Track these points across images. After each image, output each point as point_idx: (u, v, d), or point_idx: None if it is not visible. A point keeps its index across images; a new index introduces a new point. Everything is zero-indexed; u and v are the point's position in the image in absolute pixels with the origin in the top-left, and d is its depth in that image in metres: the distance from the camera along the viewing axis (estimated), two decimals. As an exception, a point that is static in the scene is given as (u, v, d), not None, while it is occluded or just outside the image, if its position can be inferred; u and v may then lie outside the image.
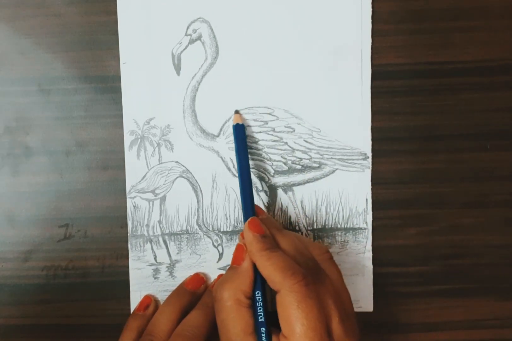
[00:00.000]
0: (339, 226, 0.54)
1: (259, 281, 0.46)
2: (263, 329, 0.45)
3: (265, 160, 0.53)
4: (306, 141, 0.53)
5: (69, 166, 0.54)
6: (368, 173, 0.53)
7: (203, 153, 0.53)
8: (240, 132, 0.52)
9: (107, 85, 0.53)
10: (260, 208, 0.52)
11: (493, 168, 0.54)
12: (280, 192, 0.54)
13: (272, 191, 0.54)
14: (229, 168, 0.53)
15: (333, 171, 0.53)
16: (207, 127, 0.53)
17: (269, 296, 0.47)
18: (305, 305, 0.42)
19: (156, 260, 0.54)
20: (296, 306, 0.42)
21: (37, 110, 0.54)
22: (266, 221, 0.49)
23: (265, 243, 0.46)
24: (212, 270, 0.54)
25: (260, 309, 0.46)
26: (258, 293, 0.46)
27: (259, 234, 0.47)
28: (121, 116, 0.53)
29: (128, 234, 0.54)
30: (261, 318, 0.45)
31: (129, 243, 0.54)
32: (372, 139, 0.53)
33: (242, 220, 0.52)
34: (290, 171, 0.53)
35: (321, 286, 0.44)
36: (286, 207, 0.54)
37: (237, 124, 0.52)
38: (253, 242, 0.46)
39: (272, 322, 0.45)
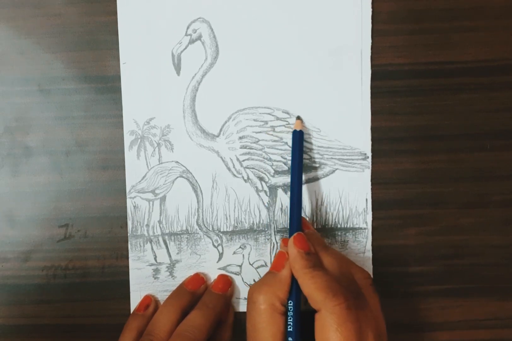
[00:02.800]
0: (339, 226, 0.54)
1: (294, 291, 0.47)
2: (290, 339, 0.45)
3: (265, 160, 0.53)
4: (306, 141, 0.53)
5: (69, 166, 0.54)
6: (368, 173, 0.53)
7: (203, 153, 0.53)
8: (298, 139, 0.52)
9: (107, 85, 0.53)
10: (307, 221, 0.52)
11: (493, 168, 0.54)
12: (280, 192, 0.54)
13: (272, 191, 0.54)
14: (229, 169, 0.53)
15: (333, 171, 0.53)
16: (207, 127, 0.53)
17: (302, 307, 0.47)
18: (345, 328, 0.42)
19: (156, 260, 0.54)
20: (335, 328, 0.42)
21: (37, 110, 0.54)
22: (311, 236, 0.49)
23: (309, 260, 0.46)
24: (212, 270, 0.54)
25: (290, 319, 0.46)
26: (291, 303, 0.46)
27: (303, 250, 0.47)
28: (121, 116, 0.53)
29: (128, 234, 0.54)
30: (290, 327, 0.46)
31: (129, 243, 0.54)
32: (372, 139, 0.53)
33: (288, 229, 0.51)
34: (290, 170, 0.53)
35: (361, 311, 0.44)
36: (286, 207, 0.54)
37: (296, 130, 0.52)
38: (297, 258, 0.47)
39: (302, 332, 0.46)
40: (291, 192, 0.51)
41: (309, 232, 0.50)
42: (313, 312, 0.45)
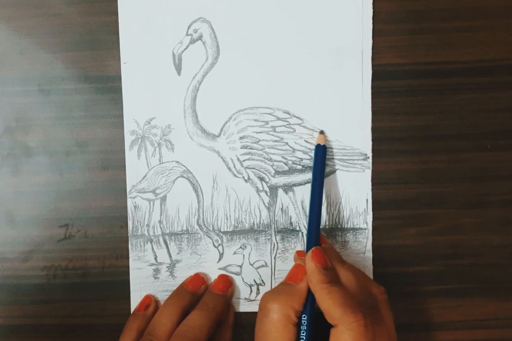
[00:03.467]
0: (339, 226, 0.54)
1: (309, 304, 0.47)
2: None
3: (266, 160, 0.53)
4: (306, 141, 0.53)
5: (69, 166, 0.54)
6: (368, 173, 0.53)
7: (203, 153, 0.53)
8: (320, 154, 0.52)
9: (107, 85, 0.53)
10: (323, 236, 0.52)
11: (493, 168, 0.54)
12: (280, 192, 0.54)
13: (272, 191, 0.54)
14: (229, 169, 0.53)
15: (334, 171, 0.53)
16: (207, 127, 0.53)
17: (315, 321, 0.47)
18: None
19: (156, 260, 0.54)
20: None
21: (37, 110, 0.54)
22: (328, 251, 0.49)
23: (326, 275, 0.46)
24: (212, 270, 0.54)
25: (303, 332, 0.46)
26: (304, 317, 0.46)
27: (321, 265, 0.47)
28: (121, 116, 0.53)
29: (129, 234, 0.54)
30: (302, 340, 0.46)
31: (129, 243, 0.54)
32: (372, 140, 0.53)
33: (305, 244, 0.51)
34: (291, 171, 0.53)
35: (377, 327, 0.44)
36: (287, 207, 0.54)
37: (319, 145, 0.52)
38: (315, 273, 0.47)
39: None
40: (310, 206, 0.51)
41: (326, 246, 0.50)
42: (325, 326, 0.45)
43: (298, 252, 0.51)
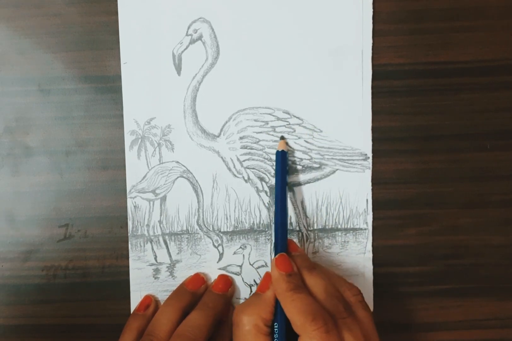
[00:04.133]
0: (339, 226, 0.54)
1: (279, 312, 0.46)
2: None
3: (266, 160, 0.53)
4: (306, 141, 0.53)
5: (69, 166, 0.54)
6: (368, 173, 0.53)
7: (203, 153, 0.53)
8: (282, 159, 0.52)
9: (107, 85, 0.53)
10: (294, 243, 0.51)
11: (493, 168, 0.54)
12: (280, 192, 0.54)
13: (272, 191, 0.54)
14: (229, 169, 0.53)
15: (334, 171, 0.53)
16: (207, 128, 0.53)
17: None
18: None
19: (156, 260, 0.54)
20: None
21: (37, 110, 0.54)
22: (297, 258, 0.49)
23: (290, 282, 0.46)
24: (212, 270, 0.54)
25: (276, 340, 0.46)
26: (276, 325, 0.46)
27: (285, 272, 0.47)
28: (121, 116, 0.53)
29: (129, 234, 0.54)
30: None
31: (129, 243, 0.54)
32: (372, 140, 0.53)
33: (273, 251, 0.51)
34: (291, 171, 0.53)
35: (347, 331, 0.44)
36: (287, 207, 0.54)
37: (280, 151, 0.52)
38: (278, 280, 0.46)
39: None
40: (275, 213, 0.51)
41: (296, 254, 0.50)
42: None
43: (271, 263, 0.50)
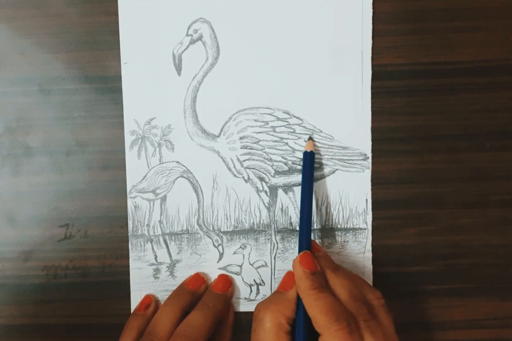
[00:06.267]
0: (339, 226, 0.54)
1: (301, 311, 0.46)
2: None
3: (266, 160, 0.53)
4: (306, 141, 0.53)
5: (69, 166, 0.54)
6: (368, 173, 0.53)
7: (203, 153, 0.53)
8: (309, 160, 0.52)
9: (107, 85, 0.53)
10: (317, 244, 0.51)
11: (493, 168, 0.54)
12: (280, 192, 0.54)
13: (272, 191, 0.54)
14: (229, 169, 0.53)
15: (333, 171, 0.53)
16: (208, 128, 0.53)
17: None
18: None
19: (156, 260, 0.54)
20: None
21: (37, 110, 0.54)
22: (321, 259, 0.49)
23: (314, 281, 0.46)
24: (212, 270, 0.54)
25: (297, 339, 0.46)
26: (297, 322, 0.46)
27: (309, 270, 0.46)
28: (121, 116, 0.53)
29: (129, 234, 0.54)
30: None
31: (129, 242, 0.54)
32: (372, 140, 0.53)
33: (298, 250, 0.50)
34: (291, 171, 0.53)
35: (369, 334, 0.43)
36: (287, 207, 0.54)
37: (309, 151, 0.52)
38: (302, 278, 0.46)
39: None
40: (300, 212, 0.50)
41: (319, 254, 0.49)
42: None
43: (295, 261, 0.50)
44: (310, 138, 0.53)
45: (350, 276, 0.48)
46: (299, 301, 0.46)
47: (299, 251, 0.49)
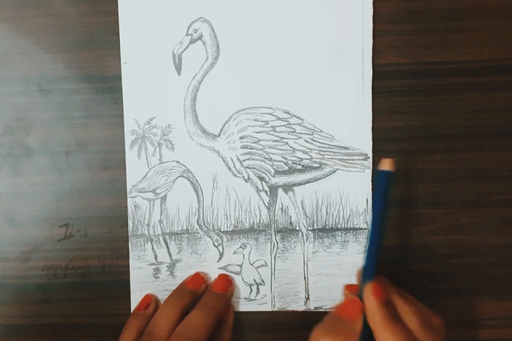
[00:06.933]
0: (339, 226, 0.54)
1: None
2: None
3: (266, 160, 0.53)
4: (306, 141, 0.53)
5: (69, 166, 0.54)
6: (368, 173, 0.53)
7: (203, 153, 0.53)
8: (386, 181, 0.46)
9: (107, 85, 0.53)
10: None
11: (493, 168, 0.54)
12: (280, 192, 0.54)
13: (272, 190, 0.54)
14: (229, 168, 0.53)
15: (334, 171, 0.53)
16: (207, 127, 0.53)
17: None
18: None
19: (156, 260, 0.54)
20: None
21: (37, 110, 0.54)
22: (385, 284, 0.47)
23: (388, 312, 0.44)
24: (212, 269, 0.54)
25: None
26: None
27: (382, 300, 0.45)
28: (121, 116, 0.53)
29: (129, 234, 0.54)
30: None
31: (129, 242, 0.54)
32: (373, 140, 0.53)
33: (361, 278, 0.48)
34: (291, 171, 0.53)
35: None
36: (287, 207, 0.54)
37: (387, 171, 0.46)
38: (377, 310, 0.44)
39: None
40: (371, 235, 0.47)
41: (381, 279, 0.47)
42: None
43: (347, 286, 0.49)
44: (389, 157, 0.47)
45: (415, 303, 0.46)
46: (363, 331, 0.45)
47: (365, 277, 0.47)
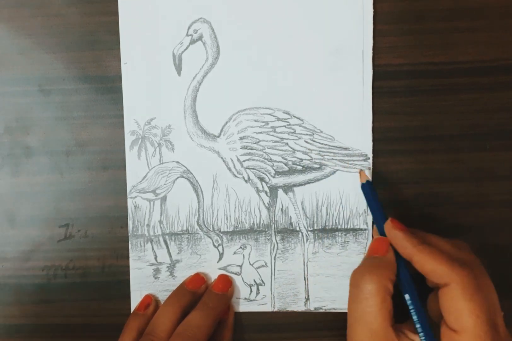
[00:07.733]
0: (339, 227, 0.54)
1: (407, 273, 0.46)
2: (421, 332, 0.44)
3: (266, 161, 0.53)
4: (306, 142, 0.53)
5: (69, 166, 0.54)
6: (368, 174, 0.53)
7: (203, 153, 0.53)
8: (370, 190, 0.51)
9: (107, 85, 0.53)
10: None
11: (493, 168, 0.54)
12: (280, 192, 0.54)
13: (272, 191, 0.54)
14: (229, 169, 0.53)
15: (334, 172, 0.53)
16: (208, 128, 0.53)
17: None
18: (478, 297, 0.41)
19: (156, 260, 0.54)
20: (469, 298, 0.41)
21: (37, 110, 0.54)
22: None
23: (416, 237, 0.45)
24: (212, 270, 0.54)
25: (411, 307, 0.45)
26: (406, 283, 0.45)
27: (406, 231, 0.46)
28: (121, 116, 0.53)
29: (129, 234, 0.54)
30: (413, 314, 0.45)
31: (129, 242, 0.54)
32: (373, 140, 0.53)
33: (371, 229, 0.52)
34: (291, 171, 0.53)
35: (485, 279, 0.44)
36: (287, 207, 0.54)
37: (363, 183, 0.51)
38: (405, 238, 0.45)
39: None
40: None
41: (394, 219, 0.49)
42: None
43: (375, 232, 0.50)
44: (361, 170, 0.53)
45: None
46: (399, 262, 0.46)
47: (378, 222, 0.49)
